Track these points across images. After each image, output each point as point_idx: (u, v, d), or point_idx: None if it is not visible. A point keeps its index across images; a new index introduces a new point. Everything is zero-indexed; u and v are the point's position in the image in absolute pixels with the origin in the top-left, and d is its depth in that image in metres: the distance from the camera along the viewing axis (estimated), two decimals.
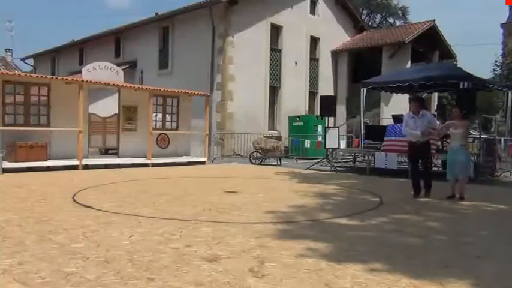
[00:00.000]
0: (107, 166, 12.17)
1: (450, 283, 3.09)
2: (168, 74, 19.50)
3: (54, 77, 13.32)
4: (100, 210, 5.57)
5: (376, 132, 12.91)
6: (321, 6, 21.61)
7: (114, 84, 12.76)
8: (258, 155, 14.84)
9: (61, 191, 7.24)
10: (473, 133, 17.19)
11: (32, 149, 10.70)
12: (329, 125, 13.96)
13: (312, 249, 3.90)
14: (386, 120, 15.16)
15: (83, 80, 11.57)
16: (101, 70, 12.57)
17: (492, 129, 21.03)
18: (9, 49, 33.59)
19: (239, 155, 17.31)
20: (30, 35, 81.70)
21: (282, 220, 5.22)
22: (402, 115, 12.54)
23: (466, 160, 7.36)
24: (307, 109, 20.89)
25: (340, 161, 15.05)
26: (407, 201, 7.03)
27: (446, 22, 73.66)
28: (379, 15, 40.64)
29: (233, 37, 17.63)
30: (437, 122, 7.67)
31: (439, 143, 11.11)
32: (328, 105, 13.51)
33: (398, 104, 17.18)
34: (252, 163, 14.68)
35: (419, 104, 7.57)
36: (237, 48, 17.70)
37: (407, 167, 11.27)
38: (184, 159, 14.03)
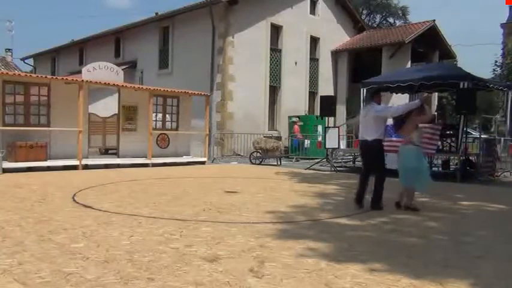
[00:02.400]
0: (107, 166, 12.17)
1: (450, 283, 3.09)
2: (168, 74, 19.50)
3: (54, 77, 13.32)
4: (100, 210, 5.57)
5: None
6: (321, 6, 21.61)
7: (114, 84, 12.76)
8: (258, 155, 14.84)
9: (61, 191, 7.24)
10: (473, 133, 17.23)
11: (32, 149, 10.69)
12: (329, 125, 13.97)
13: (312, 249, 3.90)
14: None
15: (83, 80, 11.57)
16: (101, 70, 12.56)
17: (492, 129, 21.05)
18: (9, 49, 33.57)
19: (239, 155, 17.31)
20: (30, 35, 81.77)
21: (282, 220, 5.22)
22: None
23: (418, 165, 6.03)
24: (307, 109, 20.90)
25: (340, 161, 15.05)
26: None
27: (446, 22, 73.76)
28: (379, 15, 40.71)
29: (233, 37, 17.63)
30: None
31: (439, 142, 11.10)
32: (328, 105, 13.52)
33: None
34: (252, 163, 14.69)
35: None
36: (237, 48, 17.71)
37: None
38: (184, 159, 14.03)
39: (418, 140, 6.15)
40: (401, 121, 6.11)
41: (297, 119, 18.19)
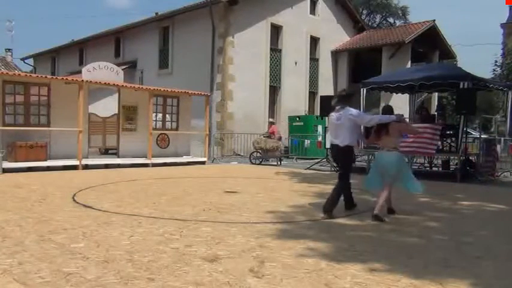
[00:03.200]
0: (107, 166, 12.17)
1: (450, 283, 3.09)
2: (168, 74, 19.51)
3: (54, 77, 13.33)
4: (100, 210, 5.57)
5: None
6: (321, 6, 21.62)
7: (114, 84, 12.76)
8: (258, 155, 14.84)
9: (61, 191, 7.24)
10: (473, 133, 17.23)
11: (32, 149, 10.69)
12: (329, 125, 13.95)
13: (312, 249, 3.90)
14: None
15: (83, 80, 11.57)
16: (101, 70, 12.57)
17: (492, 129, 21.07)
18: (9, 49, 33.61)
19: (239, 155, 17.31)
20: (30, 35, 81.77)
21: (282, 220, 5.22)
22: (402, 115, 12.53)
23: (401, 169, 5.66)
24: (307, 109, 20.89)
25: None
26: (407, 201, 7.02)
27: (446, 22, 73.71)
28: (379, 15, 40.69)
29: (233, 37, 17.63)
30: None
31: (439, 143, 11.10)
32: (328, 105, 13.43)
33: (398, 103, 17.17)
34: (252, 163, 14.69)
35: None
36: (237, 48, 17.71)
37: None
38: (184, 159, 14.04)
39: (398, 145, 5.83)
40: (379, 130, 5.72)
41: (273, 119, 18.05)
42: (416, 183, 5.66)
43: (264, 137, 15.46)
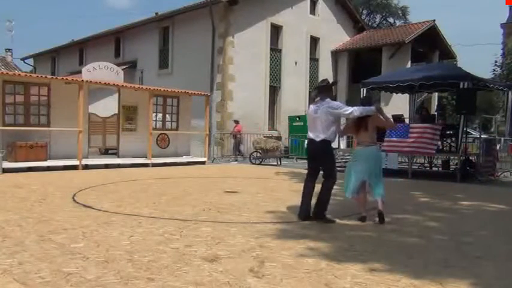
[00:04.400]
0: (107, 166, 12.17)
1: (450, 283, 3.09)
2: (168, 74, 19.50)
3: (54, 77, 13.33)
4: (100, 210, 5.57)
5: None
6: (321, 6, 21.61)
7: (114, 84, 12.76)
8: (258, 155, 14.84)
9: (61, 191, 7.24)
10: (473, 133, 17.24)
11: (32, 149, 10.70)
12: None
13: (312, 249, 3.90)
14: None
15: (83, 80, 11.57)
16: (101, 70, 12.57)
17: (492, 129, 21.09)
18: (9, 49, 33.60)
19: (239, 155, 17.30)
20: (30, 35, 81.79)
21: (282, 220, 5.22)
22: (402, 115, 12.54)
23: (380, 168, 5.43)
24: (307, 109, 20.87)
25: (340, 160, 15.02)
26: (407, 201, 7.03)
27: (446, 22, 73.70)
28: (379, 15, 40.69)
29: (233, 37, 17.63)
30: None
31: (439, 143, 11.10)
32: None
33: (398, 104, 17.18)
34: (252, 163, 14.69)
35: None
36: (237, 48, 17.70)
37: (407, 166, 11.29)
38: (184, 159, 14.04)
39: (375, 140, 5.57)
40: (358, 124, 5.41)
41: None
42: (381, 190, 5.29)
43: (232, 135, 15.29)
